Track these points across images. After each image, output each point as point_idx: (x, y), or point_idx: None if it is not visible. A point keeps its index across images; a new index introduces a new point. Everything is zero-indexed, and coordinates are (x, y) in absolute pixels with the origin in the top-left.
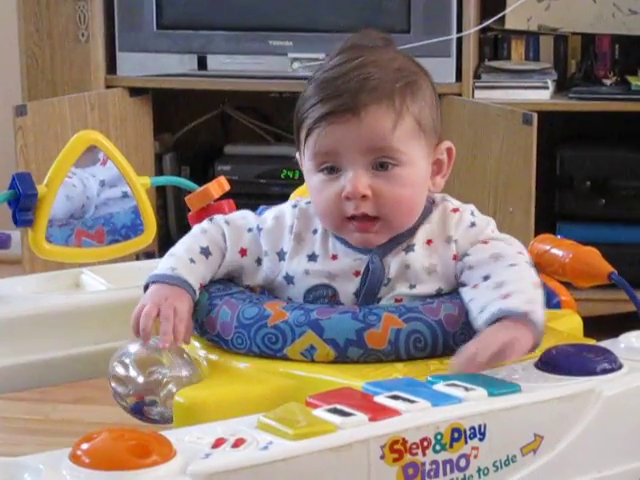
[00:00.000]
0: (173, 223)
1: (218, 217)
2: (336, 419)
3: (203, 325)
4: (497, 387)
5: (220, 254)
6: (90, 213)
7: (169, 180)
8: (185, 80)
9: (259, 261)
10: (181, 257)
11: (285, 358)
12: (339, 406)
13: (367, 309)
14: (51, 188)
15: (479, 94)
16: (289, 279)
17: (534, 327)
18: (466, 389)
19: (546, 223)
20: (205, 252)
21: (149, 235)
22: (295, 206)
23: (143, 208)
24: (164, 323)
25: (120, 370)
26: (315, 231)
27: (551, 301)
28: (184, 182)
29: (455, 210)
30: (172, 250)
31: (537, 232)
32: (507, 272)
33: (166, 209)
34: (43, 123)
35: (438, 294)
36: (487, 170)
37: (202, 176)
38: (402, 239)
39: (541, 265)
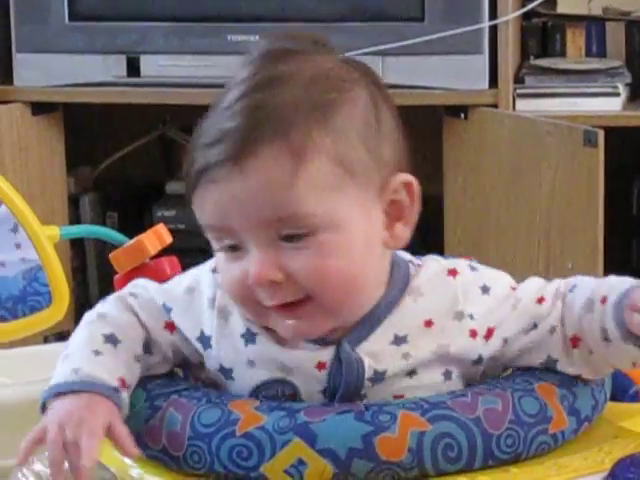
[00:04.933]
0: (95, 290)
1: (119, 294)
2: None
3: (141, 437)
4: None
5: (134, 339)
6: None
7: (88, 231)
8: (110, 91)
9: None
10: (81, 353)
11: (262, 479)
12: None
13: (376, 406)
14: None
15: (522, 105)
16: (226, 373)
17: None
18: None
19: None
20: (111, 340)
21: (59, 308)
22: (215, 270)
23: (50, 270)
24: (71, 451)
25: None
26: None
27: (626, 392)
28: (108, 233)
29: (453, 273)
30: (65, 351)
31: None
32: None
33: (85, 271)
34: None
35: (446, 377)
36: (536, 210)
37: (135, 224)
38: (378, 317)
39: None
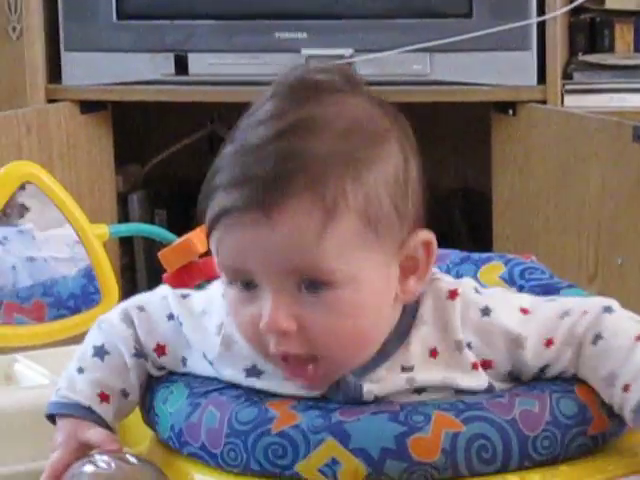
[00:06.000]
0: (144, 288)
1: (129, 302)
2: None
3: (182, 434)
4: None
5: (122, 351)
6: (22, 283)
7: (137, 229)
8: (158, 90)
9: (184, 361)
10: (70, 369)
11: (297, 477)
12: None
13: (411, 407)
14: None
15: (570, 100)
16: None
17: None
18: None
19: None
20: (100, 352)
21: (108, 306)
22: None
23: (99, 269)
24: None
25: None
26: None
27: None
28: (157, 231)
29: (452, 295)
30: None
31: None
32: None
33: (134, 269)
34: None
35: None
36: (584, 206)
37: (183, 223)
38: (385, 353)
39: None
